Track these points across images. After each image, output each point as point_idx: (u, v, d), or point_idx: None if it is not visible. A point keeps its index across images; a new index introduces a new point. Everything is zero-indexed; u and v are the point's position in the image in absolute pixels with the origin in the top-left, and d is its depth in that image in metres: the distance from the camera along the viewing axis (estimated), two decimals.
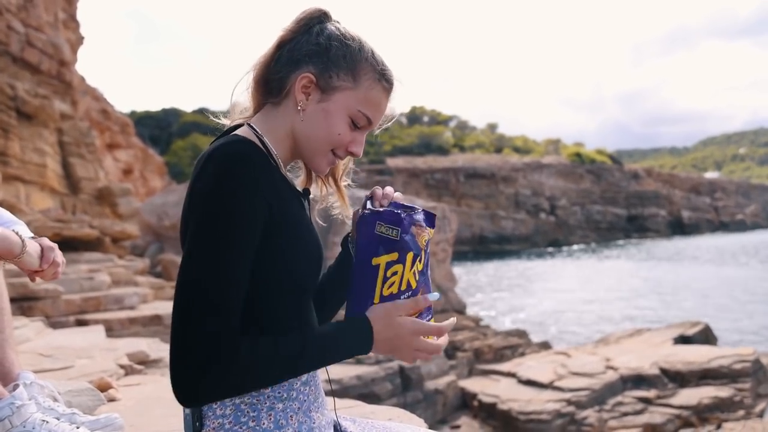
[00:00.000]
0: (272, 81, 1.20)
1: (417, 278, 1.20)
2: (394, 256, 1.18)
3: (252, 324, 1.10)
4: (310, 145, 1.19)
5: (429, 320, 1.21)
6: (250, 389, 1.06)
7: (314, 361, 1.10)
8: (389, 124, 1.30)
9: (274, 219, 1.08)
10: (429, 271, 1.26)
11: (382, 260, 1.19)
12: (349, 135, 1.19)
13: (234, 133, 1.16)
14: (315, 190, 1.33)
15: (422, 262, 1.22)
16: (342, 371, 7.88)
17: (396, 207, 1.22)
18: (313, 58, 1.17)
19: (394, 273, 1.18)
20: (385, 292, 1.18)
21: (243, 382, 1.03)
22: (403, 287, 1.18)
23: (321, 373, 1.27)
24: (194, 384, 0.99)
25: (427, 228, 1.24)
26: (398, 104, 1.26)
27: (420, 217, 1.23)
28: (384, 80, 1.19)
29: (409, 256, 1.19)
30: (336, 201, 1.35)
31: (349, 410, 2.06)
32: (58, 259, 1.70)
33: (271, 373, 1.05)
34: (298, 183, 1.31)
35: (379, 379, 8.21)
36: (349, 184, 1.37)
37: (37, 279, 1.70)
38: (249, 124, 1.19)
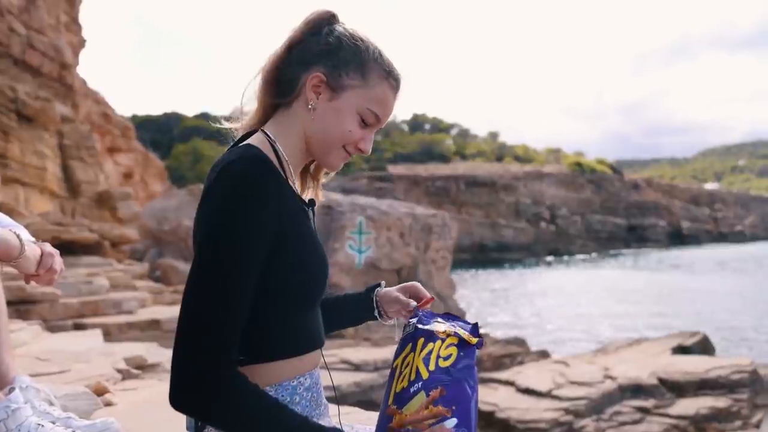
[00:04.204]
0: (283, 82, 1.21)
1: (432, 368, 1.10)
2: (408, 348, 1.15)
3: (259, 334, 1.11)
4: (323, 143, 1.20)
5: None
6: (222, 421, 1.02)
7: None
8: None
9: (282, 234, 1.09)
10: (472, 385, 1.11)
11: (399, 360, 1.16)
12: (359, 132, 1.20)
13: (247, 142, 1.16)
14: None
15: (441, 355, 1.11)
16: (341, 378, 7.85)
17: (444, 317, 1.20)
18: (322, 58, 1.18)
19: (407, 365, 1.13)
20: (398, 388, 1.11)
21: (224, 407, 1.00)
22: (413, 377, 1.10)
23: (324, 380, 1.28)
24: (187, 391, 1.01)
25: (459, 329, 1.15)
26: (403, 100, 1.27)
27: (459, 322, 1.18)
28: (391, 78, 1.21)
29: (420, 341, 1.13)
30: (310, 190, 1.37)
31: (347, 416, 2.05)
32: (56, 266, 1.70)
33: (252, 419, 1.01)
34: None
35: (377, 386, 8.16)
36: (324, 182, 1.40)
37: (32, 282, 1.70)
38: (263, 131, 1.20)
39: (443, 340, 1.12)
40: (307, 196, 1.31)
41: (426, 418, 1.06)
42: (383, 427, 1.10)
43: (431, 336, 1.13)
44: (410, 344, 1.14)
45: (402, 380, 1.11)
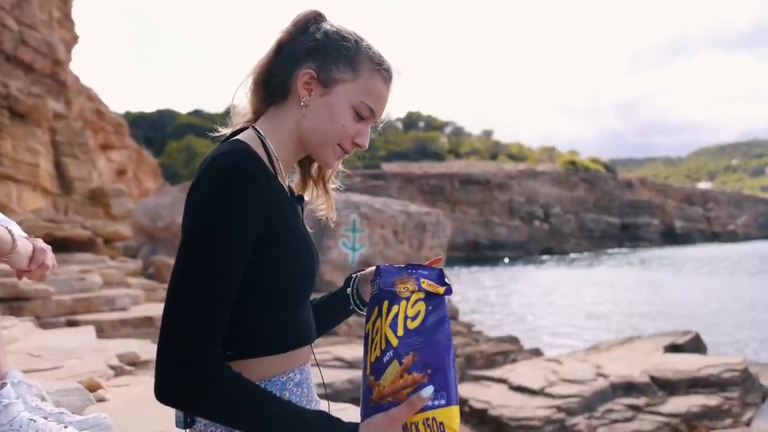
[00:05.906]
0: (274, 82, 1.22)
1: (400, 333, 1.07)
2: (375, 312, 1.13)
3: (248, 329, 1.11)
4: (316, 139, 1.20)
5: (439, 406, 1.03)
6: (213, 413, 1.03)
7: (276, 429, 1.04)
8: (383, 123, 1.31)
9: (270, 227, 1.09)
10: (446, 336, 1.07)
11: (369, 325, 1.14)
12: (354, 126, 1.20)
13: (236, 138, 1.16)
14: (306, 194, 1.34)
15: (409, 315, 1.08)
16: (334, 375, 7.86)
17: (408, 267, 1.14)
18: (312, 55, 1.19)
19: (377, 331, 1.11)
20: (372, 358, 1.10)
21: (212, 398, 1.01)
22: (383, 346, 1.08)
23: (314, 377, 1.28)
24: (171, 384, 1.01)
25: (426, 282, 1.11)
26: (397, 98, 1.27)
27: (422, 273, 1.12)
28: (383, 70, 1.21)
29: (385, 305, 1.11)
30: (322, 204, 1.37)
31: (340, 413, 2.05)
32: (48, 262, 1.70)
33: (237, 407, 1.01)
34: (293, 186, 1.32)
35: None
36: (338, 188, 1.39)
37: (24, 278, 1.70)
38: (254, 127, 1.20)
39: (408, 299, 1.10)
40: (304, 195, 1.32)
41: (403, 387, 1.05)
42: (366, 398, 1.11)
43: (395, 297, 1.10)
44: (376, 308, 1.12)
45: (375, 349, 1.10)
